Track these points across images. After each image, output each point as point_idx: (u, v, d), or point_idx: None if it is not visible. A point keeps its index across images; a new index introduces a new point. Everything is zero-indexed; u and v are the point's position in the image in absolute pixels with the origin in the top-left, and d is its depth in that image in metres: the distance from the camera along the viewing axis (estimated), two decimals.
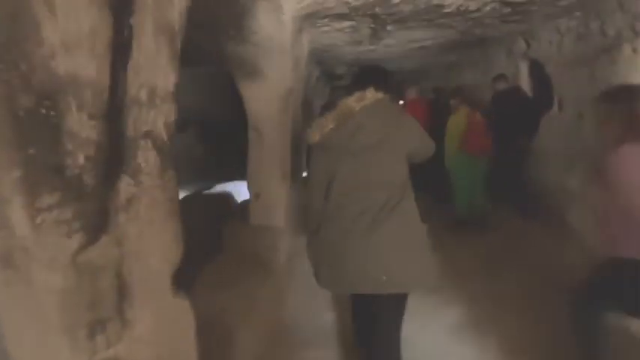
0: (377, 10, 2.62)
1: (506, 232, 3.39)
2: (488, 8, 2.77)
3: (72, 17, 0.65)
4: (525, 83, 4.36)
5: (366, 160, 1.29)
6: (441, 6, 2.63)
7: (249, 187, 3.05)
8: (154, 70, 0.88)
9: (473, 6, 2.69)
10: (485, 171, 3.49)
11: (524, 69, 4.36)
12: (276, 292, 2.37)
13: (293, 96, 2.88)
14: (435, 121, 4.06)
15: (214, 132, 6.49)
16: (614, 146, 1.26)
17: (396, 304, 1.35)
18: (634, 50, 2.68)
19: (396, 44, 3.90)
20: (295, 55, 2.79)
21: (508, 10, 2.85)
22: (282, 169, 2.98)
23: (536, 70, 4.11)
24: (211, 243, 3.09)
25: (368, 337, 1.48)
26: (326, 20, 2.78)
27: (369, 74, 1.52)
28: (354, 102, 1.32)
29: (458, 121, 3.43)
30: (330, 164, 1.34)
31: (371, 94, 1.34)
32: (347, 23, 2.91)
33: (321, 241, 1.35)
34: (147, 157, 0.90)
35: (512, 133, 3.68)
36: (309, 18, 2.64)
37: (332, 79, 7.66)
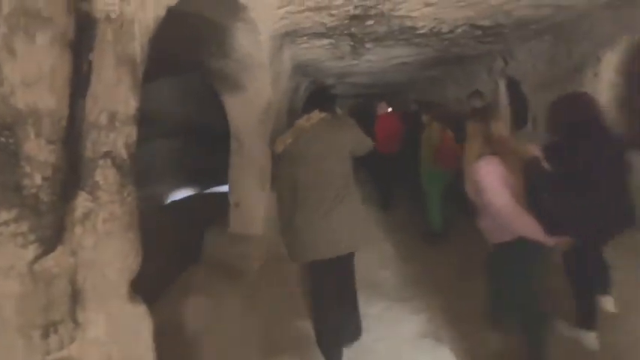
0: (353, 30, 2.75)
1: (474, 241, 3.52)
2: (460, 30, 2.92)
3: (33, 58, 0.75)
4: (504, 100, 4.54)
5: (318, 165, 1.73)
6: (415, 27, 2.77)
7: (229, 196, 3.14)
8: (114, 97, 0.98)
9: (445, 28, 2.84)
10: (452, 184, 3.61)
11: (502, 86, 4.53)
12: (248, 300, 2.44)
13: (273, 108, 2.99)
14: (412, 133, 4.19)
15: (208, 137, 6.59)
16: (477, 158, 1.58)
17: (348, 261, 1.92)
18: (595, 74, 2.84)
19: (377, 60, 4.04)
20: (275, 70, 2.91)
21: (479, 32, 3.01)
22: (262, 178, 3.08)
23: (514, 87, 4.28)
24: (193, 249, 3.17)
25: (328, 318, 1.88)
26: (305, 38, 2.91)
27: (316, 98, 2.01)
28: (304, 122, 1.81)
29: (431, 136, 3.53)
30: (292, 169, 1.78)
31: (316, 115, 1.80)
32: (326, 41, 3.04)
33: (294, 228, 1.75)
34: (106, 175, 0.99)
35: None
36: (288, 36, 2.77)
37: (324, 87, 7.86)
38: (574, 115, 1.73)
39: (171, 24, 2.24)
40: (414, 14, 2.46)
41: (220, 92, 2.94)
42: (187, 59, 2.98)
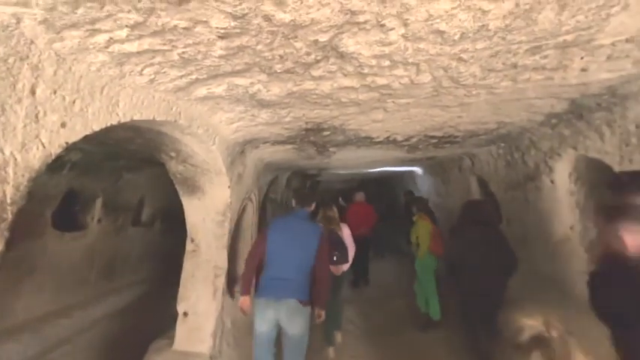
0: (312, 138, 2.87)
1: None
2: (415, 139, 3.06)
3: None
4: (477, 196, 4.57)
5: None
6: (370, 137, 2.90)
7: (177, 304, 2.84)
8: None
9: (400, 137, 2.98)
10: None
11: (474, 183, 4.62)
12: None
13: (232, 208, 2.93)
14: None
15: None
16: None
17: None
18: (552, 181, 2.87)
19: (347, 159, 4.19)
20: (237, 172, 2.95)
21: (435, 140, 3.15)
22: (215, 285, 2.83)
23: (483, 186, 4.34)
24: None
25: None
26: (268, 144, 3.03)
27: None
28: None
29: (426, 226, 3.76)
30: None
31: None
32: (290, 146, 3.16)
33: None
34: None
35: None
36: (250, 143, 2.88)
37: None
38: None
39: (128, 130, 2.33)
40: (365, 128, 2.59)
41: (180, 193, 2.92)
42: (154, 160, 3.06)
